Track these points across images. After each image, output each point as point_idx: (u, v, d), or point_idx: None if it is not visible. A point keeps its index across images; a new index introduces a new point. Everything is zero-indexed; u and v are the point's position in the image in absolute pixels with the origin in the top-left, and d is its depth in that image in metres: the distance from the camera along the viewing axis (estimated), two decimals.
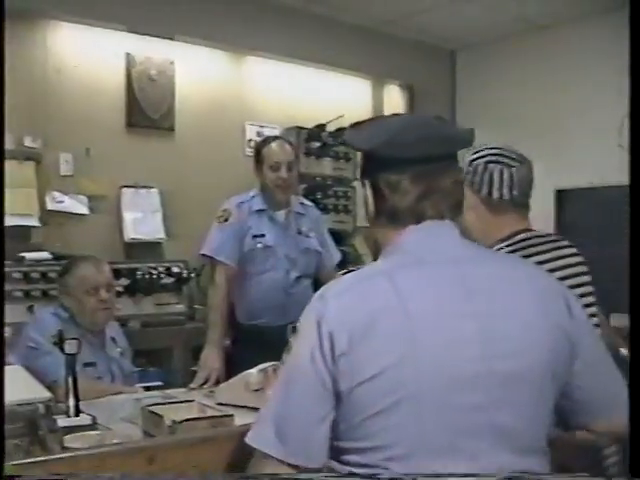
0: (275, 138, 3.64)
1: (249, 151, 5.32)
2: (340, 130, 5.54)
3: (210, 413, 2.14)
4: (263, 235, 3.47)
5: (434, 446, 1.34)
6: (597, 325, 1.99)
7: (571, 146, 5.57)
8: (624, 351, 2.21)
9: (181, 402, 2.26)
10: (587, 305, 1.96)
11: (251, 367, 3.34)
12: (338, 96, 5.73)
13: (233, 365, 3.25)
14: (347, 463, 1.39)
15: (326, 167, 5.41)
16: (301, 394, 1.39)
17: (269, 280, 3.48)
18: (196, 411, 2.18)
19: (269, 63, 5.40)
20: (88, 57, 4.63)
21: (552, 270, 1.92)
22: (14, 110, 4.27)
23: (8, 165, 4.17)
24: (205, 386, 3.00)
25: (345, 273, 1.63)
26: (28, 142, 4.34)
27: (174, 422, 1.95)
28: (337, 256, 3.79)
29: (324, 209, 5.31)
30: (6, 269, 3.96)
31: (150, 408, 2.10)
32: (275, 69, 5.45)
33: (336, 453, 1.42)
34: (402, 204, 1.46)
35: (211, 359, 3.21)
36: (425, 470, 1.32)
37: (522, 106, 5.90)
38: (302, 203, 3.72)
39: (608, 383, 1.52)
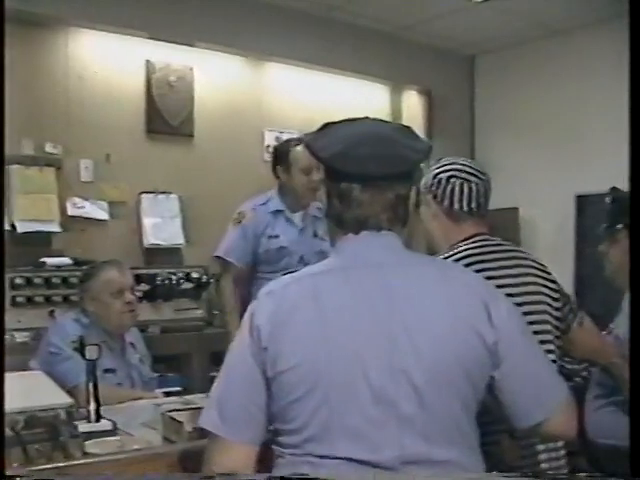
0: (299, 141, 3.65)
1: (268, 157, 5.34)
2: None
3: None
4: (278, 236, 3.51)
5: (342, 432, 1.45)
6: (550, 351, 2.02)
7: (591, 151, 5.54)
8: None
9: (201, 408, 2.25)
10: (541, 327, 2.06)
11: None
12: (356, 102, 5.72)
13: None
14: (278, 444, 1.53)
15: None
16: (237, 379, 1.54)
17: None
18: None
19: (287, 69, 5.41)
20: (108, 64, 4.66)
21: (504, 267, 2.06)
22: (35, 116, 4.33)
23: (29, 171, 4.22)
24: None
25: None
26: (49, 148, 4.38)
27: (194, 428, 1.95)
28: None
29: None
30: (27, 274, 4.01)
31: (170, 414, 2.10)
32: (293, 75, 5.46)
33: (273, 435, 1.55)
34: (347, 213, 1.56)
35: None
36: (336, 453, 1.44)
37: (541, 111, 5.88)
38: (319, 207, 3.71)
39: (532, 386, 1.58)
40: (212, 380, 4.19)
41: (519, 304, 1.85)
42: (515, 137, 6.07)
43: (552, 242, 5.65)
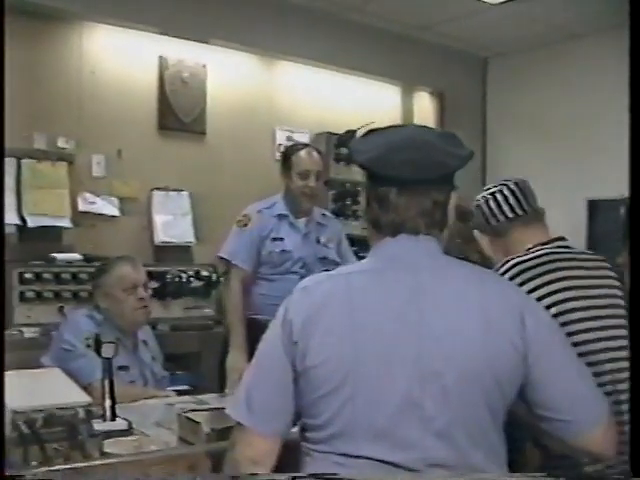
0: (305, 146, 3.64)
1: (279, 156, 5.32)
2: None
3: None
4: (282, 239, 3.50)
5: (366, 430, 1.46)
6: None
7: (603, 156, 5.50)
8: None
9: (218, 409, 2.23)
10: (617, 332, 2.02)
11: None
12: (368, 102, 5.71)
13: None
14: (305, 439, 1.55)
15: (356, 173, 5.36)
16: (266, 371, 1.56)
17: (282, 282, 3.47)
18: None
19: (300, 68, 5.40)
20: (122, 59, 4.65)
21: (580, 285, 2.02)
22: (47, 111, 4.32)
23: (41, 166, 4.20)
24: None
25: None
26: (61, 143, 4.36)
27: (212, 429, 1.93)
28: None
29: (353, 215, 5.30)
30: (37, 269, 3.99)
31: (186, 415, 2.08)
32: (306, 74, 5.44)
33: (301, 430, 1.57)
34: (384, 216, 1.57)
35: (239, 362, 3.23)
36: (360, 452, 1.45)
37: (554, 115, 5.85)
38: (324, 214, 3.73)
39: (566, 400, 1.55)
40: (222, 379, 4.17)
41: (602, 307, 1.87)
42: (526, 141, 6.04)
43: None
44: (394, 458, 1.45)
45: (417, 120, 6.03)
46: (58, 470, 1.61)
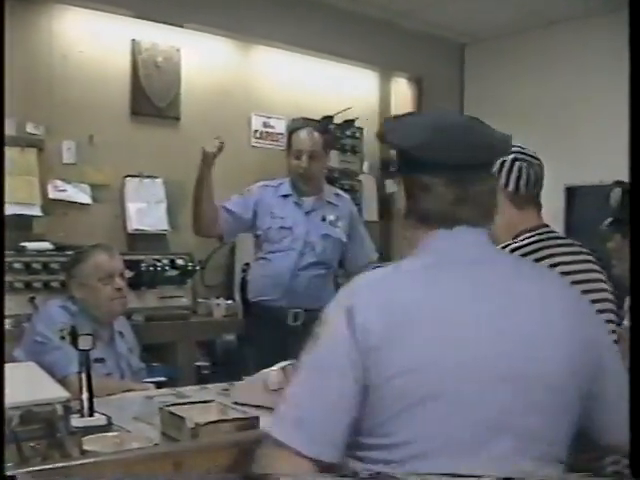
0: (306, 125, 3.58)
1: (255, 142, 5.24)
2: (348, 122, 5.46)
3: (232, 414, 2.04)
4: (283, 218, 3.50)
5: (456, 445, 1.33)
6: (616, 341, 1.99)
7: (581, 143, 5.49)
8: None
9: (200, 402, 2.15)
10: (606, 316, 2.03)
11: (256, 346, 3.39)
12: (346, 88, 5.64)
13: (242, 342, 3.61)
14: (364, 459, 1.37)
15: (333, 160, 5.29)
16: (326, 385, 1.37)
17: (280, 259, 3.49)
18: (216, 412, 2.08)
19: (276, 52, 5.30)
20: (94, 42, 4.51)
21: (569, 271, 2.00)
22: (16, 95, 4.17)
23: (10, 152, 4.05)
24: None
25: (376, 268, 1.59)
26: (30, 128, 4.22)
27: (197, 424, 1.85)
28: (373, 254, 3.78)
29: None
30: (7, 259, 3.85)
31: (169, 409, 2.00)
32: (282, 59, 5.35)
33: (353, 449, 1.39)
34: (434, 207, 1.45)
35: None
36: (446, 469, 1.30)
37: (532, 102, 5.82)
38: (337, 194, 3.71)
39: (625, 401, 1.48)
40: (198, 370, 4.09)
41: (587, 291, 1.85)
42: (504, 127, 5.95)
43: None
44: (478, 472, 1.32)
45: (395, 106, 5.98)
46: (54, 469, 1.52)
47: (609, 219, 2.84)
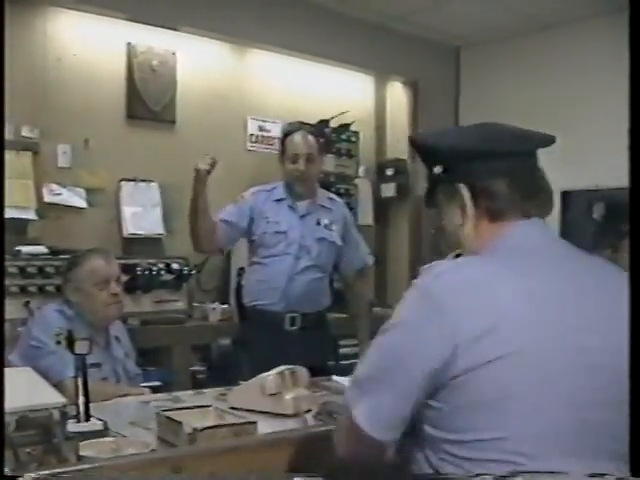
0: (299, 128, 3.57)
1: (250, 145, 5.23)
2: (343, 126, 5.45)
3: (229, 419, 2.03)
4: (277, 222, 3.48)
5: (543, 441, 1.32)
6: None
7: (577, 147, 5.47)
8: None
9: (197, 407, 2.14)
10: None
11: (252, 350, 3.38)
12: (341, 92, 5.63)
13: (238, 346, 3.58)
14: (447, 453, 1.37)
15: (328, 164, 5.28)
16: (401, 373, 1.37)
17: (276, 264, 3.47)
18: (213, 417, 2.08)
19: (272, 56, 5.28)
20: (89, 46, 4.49)
21: None
22: (12, 99, 4.14)
23: (5, 155, 4.03)
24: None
25: (456, 257, 1.57)
26: (26, 132, 4.19)
27: (195, 430, 1.84)
28: (368, 258, 3.80)
29: None
30: None
31: (167, 414, 1.99)
32: (278, 62, 5.33)
33: (433, 442, 1.40)
34: (505, 205, 1.48)
35: None
36: (537, 467, 1.29)
37: (527, 105, 5.80)
38: (331, 198, 3.70)
39: None
40: (193, 374, 4.08)
41: None
42: None
43: None
44: (562, 469, 1.32)
45: (390, 109, 5.98)
46: (51, 475, 1.51)
47: (596, 234, 2.79)
